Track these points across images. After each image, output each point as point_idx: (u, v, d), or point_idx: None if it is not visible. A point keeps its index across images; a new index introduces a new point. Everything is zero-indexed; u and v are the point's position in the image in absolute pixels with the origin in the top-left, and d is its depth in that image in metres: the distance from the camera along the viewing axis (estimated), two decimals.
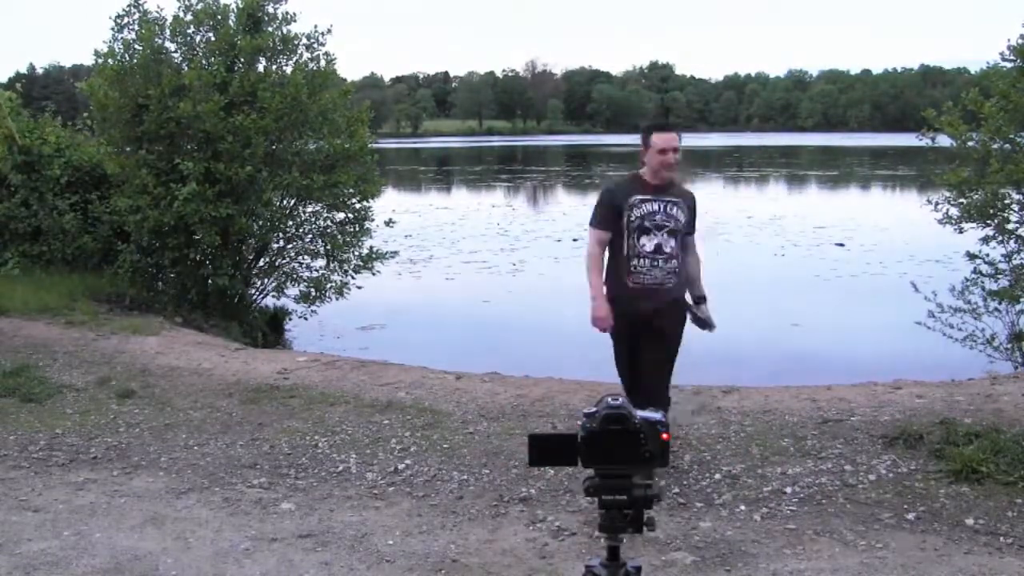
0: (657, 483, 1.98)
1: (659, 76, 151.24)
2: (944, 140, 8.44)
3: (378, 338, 10.22)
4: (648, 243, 4.21)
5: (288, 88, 9.22)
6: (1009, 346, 7.95)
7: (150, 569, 3.67)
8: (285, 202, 9.95)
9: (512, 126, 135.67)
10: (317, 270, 10.02)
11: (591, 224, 4.39)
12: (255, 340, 9.37)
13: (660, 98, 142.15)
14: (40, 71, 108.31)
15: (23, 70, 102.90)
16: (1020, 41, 7.88)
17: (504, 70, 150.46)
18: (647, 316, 4.24)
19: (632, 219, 4.23)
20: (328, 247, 9.91)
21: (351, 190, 9.89)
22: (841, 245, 16.93)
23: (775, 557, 3.64)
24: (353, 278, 9.97)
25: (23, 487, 4.57)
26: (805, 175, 42.01)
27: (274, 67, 9.74)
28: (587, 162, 54.92)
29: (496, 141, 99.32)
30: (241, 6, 9.52)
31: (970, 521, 3.86)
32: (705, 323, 4.45)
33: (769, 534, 3.84)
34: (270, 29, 9.60)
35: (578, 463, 1.54)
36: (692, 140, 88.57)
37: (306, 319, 10.08)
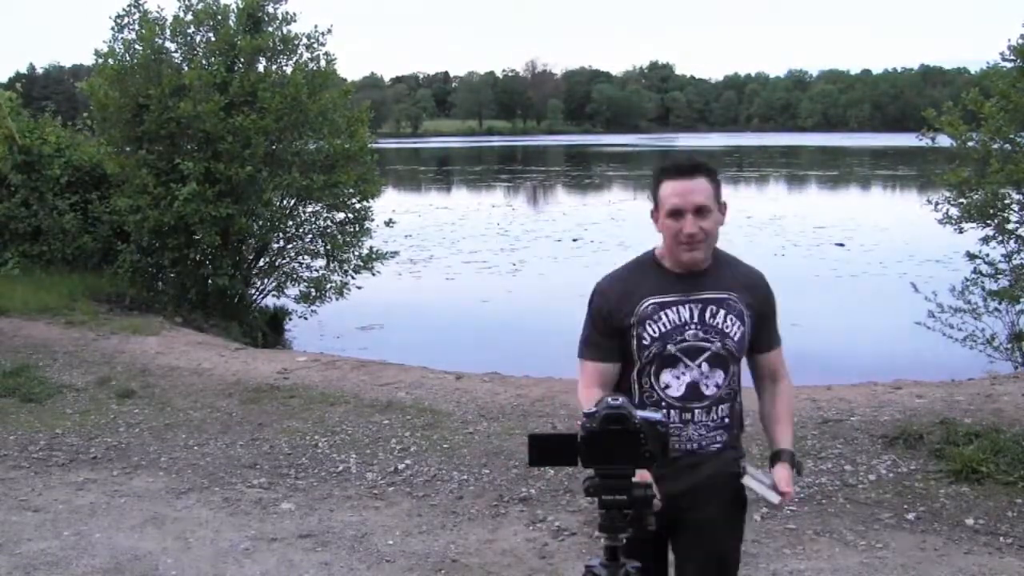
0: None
1: (659, 76, 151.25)
2: (944, 140, 8.44)
3: (378, 338, 10.22)
4: (675, 382, 2.30)
5: (288, 88, 9.22)
6: (1009, 346, 7.95)
7: (150, 569, 3.67)
8: (285, 202, 9.96)
9: (512, 126, 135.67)
10: (317, 270, 10.03)
11: (579, 352, 2.39)
12: (255, 340, 9.38)
13: (660, 98, 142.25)
14: (40, 71, 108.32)
15: (23, 70, 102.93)
16: (1020, 41, 7.88)
17: (504, 70, 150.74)
18: (677, 502, 2.24)
19: (644, 341, 2.28)
20: (328, 247, 9.92)
21: (351, 190, 9.90)
22: (841, 245, 16.93)
23: (775, 557, 3.64)
24: (353, 278, 9.98)
25: (23, 487, 4.57)
26: (805, 175, 42.02)
27: (274, 67, 9.75)
28: (587, 162, 54.90)
29: (496, 141, 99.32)
30: (241, 6, 9.53)
31: (970, 521, 3.86)
32: (768, 501, 2.30)
33: (769, 534, 3.84)
34: (270, 29, 9.61)
35: (578, 463, 1.54)
36: (692, 140, 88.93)
37: (306, 319, 10.08)
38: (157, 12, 9.59)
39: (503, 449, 4.92)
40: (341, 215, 10.07)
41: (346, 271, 9.93)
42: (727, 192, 2.34)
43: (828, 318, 11.04)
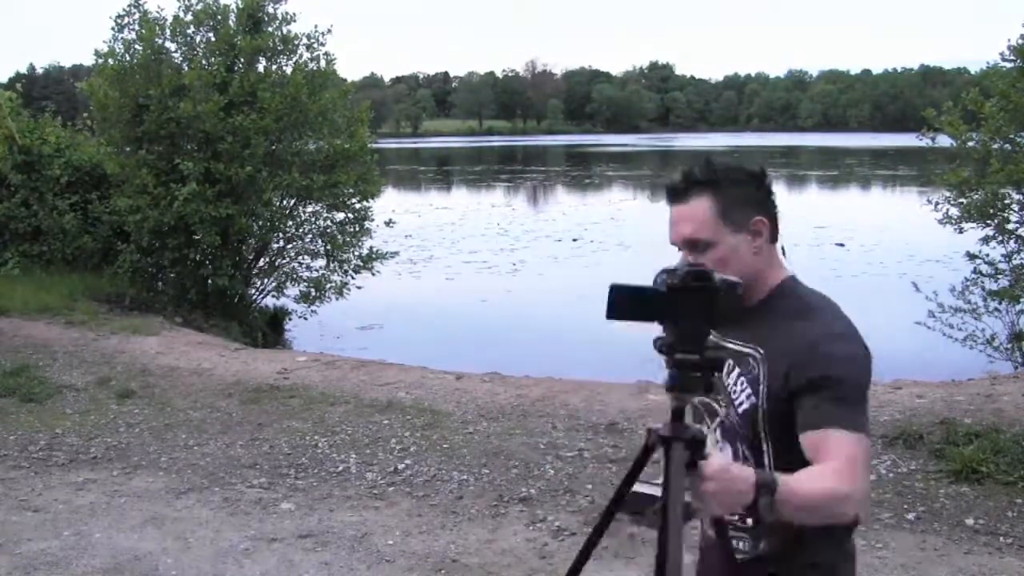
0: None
1: (659, 76, 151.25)
2: (944, 140, 8.43)
3: (378, 338, 10.22)
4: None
5: (288, 88, 9.23)
6: (1009, 346, 7.95)
7: (150, 569, 3.67)
8: (285, 202, 9.96)
9: (512, 126, 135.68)
10: (317, 270, 10.03)
11: None
12: (255, 340, 9.38)
13: (660, 98, 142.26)
14: (40, 71, 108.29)
15: (23, 70, 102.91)
16: (1020, 41, 7.87)
17: (504, 70, 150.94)
18: None
19: None
20: (328, 247, 9.92)
21: (351, 190, 9.90)
22: (841, 245, 16.93)
23: None
24: (353, 278, 9.99)
25: (23, 487, 4.57)
26: (805, 175, 42.00)
27: (274, 67, 9.76)
28: (587, 162, 54.90)
29: (496, 141, 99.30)
30: (241, 6, 9.54)
31: (970, 521, 3.86)
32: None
33: None
34: (270, 29, 9.62)
35: (659, 319, 1.45)
36: (692, 140, 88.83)
37: (306, 319, 10.09)
38: (157, 12, 9.62)
39: (503, 449, 4.92)
40: (341, 215, 10.08)
41: (346, 271, 9.94)
42: None
43: None
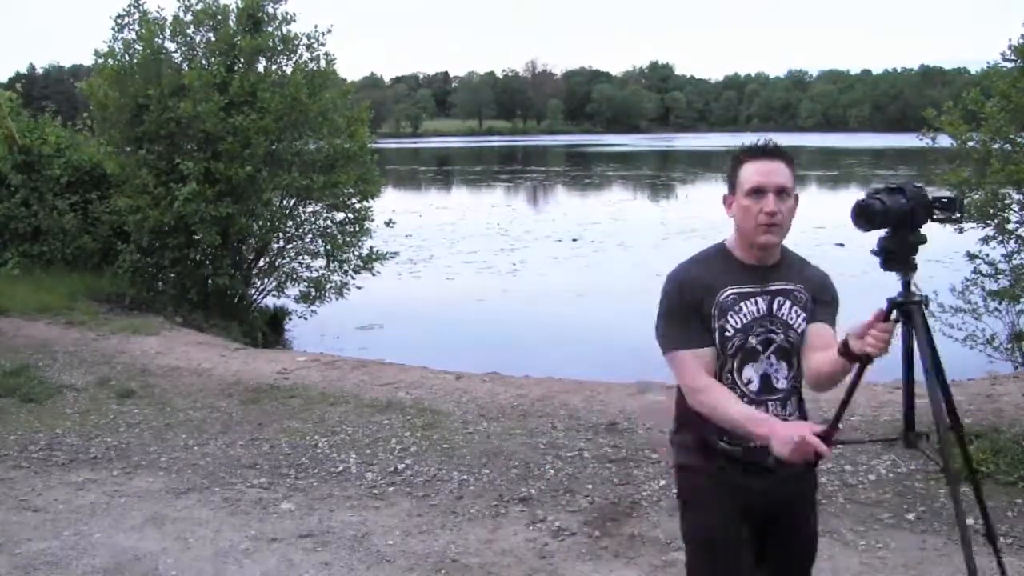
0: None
1: (659, 76, 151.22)
2: (944, 140, 8.42)
3: (378, 338, 10.22)
4: (755, 377, 2.25)
5: (288, 88, 9.23)
6: (1009, 346, 7.95)
7: (150, 569, 3.67)
8: (285, 202, 9.97)
9: (512, 126, 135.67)
10: (317, 270, 10.04)
11: (671, 345, 2.23)
12: (255, 340, 9.38)
13: (660, 98, 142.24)
14: (40, 71, 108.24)
15: (23, 70, 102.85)
16: (1020, 41, 7.87)
17: (504, 70, 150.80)
18: (766, 504, 2.28)
19: (727, 333, 2.22)
20: (328, 247, 9.93)
21: (351, 190, 9.91)
22: (841, 245, 16.89)
23: None
24: (353, 278, 9.99)
25: (23, 487, 4.57)
26: (805, 175, 41.94)
27: (274, 67, 9.77)
28: (587, 162, 54.90)
29: (496, 141, 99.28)
30: (241, 6, 9.54)
31: (970, 521, 3.85)
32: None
33: None
34: (270, 29, 9.62)
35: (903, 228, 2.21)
36: (692, 140, 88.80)
37: (306, 319, 10.09)
38: (157, 12, 9.63)
39: (503, 449, 4.92)
40: (341, 215, 10.09)
41: (346, 271, 9.94)
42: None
43: None
